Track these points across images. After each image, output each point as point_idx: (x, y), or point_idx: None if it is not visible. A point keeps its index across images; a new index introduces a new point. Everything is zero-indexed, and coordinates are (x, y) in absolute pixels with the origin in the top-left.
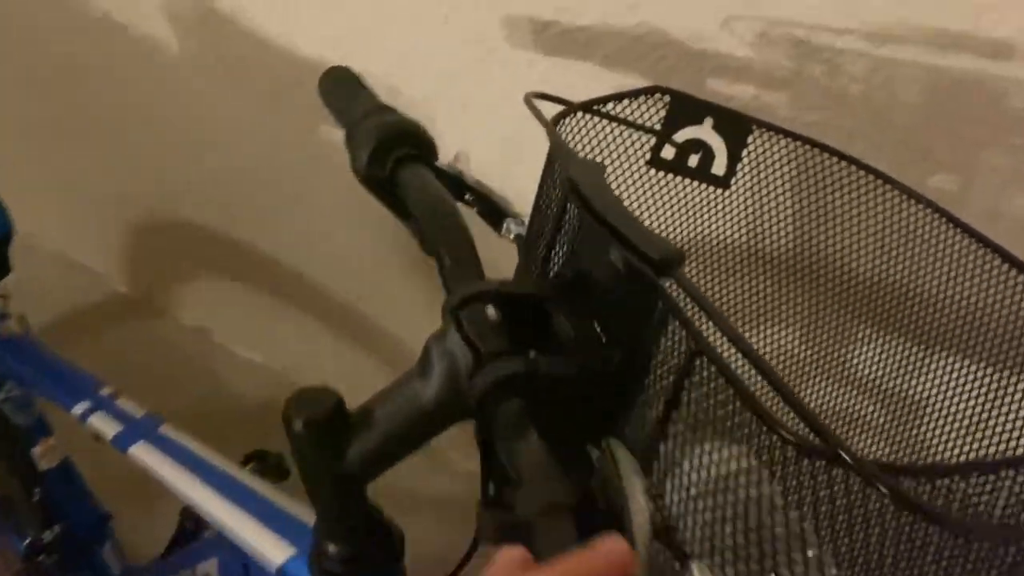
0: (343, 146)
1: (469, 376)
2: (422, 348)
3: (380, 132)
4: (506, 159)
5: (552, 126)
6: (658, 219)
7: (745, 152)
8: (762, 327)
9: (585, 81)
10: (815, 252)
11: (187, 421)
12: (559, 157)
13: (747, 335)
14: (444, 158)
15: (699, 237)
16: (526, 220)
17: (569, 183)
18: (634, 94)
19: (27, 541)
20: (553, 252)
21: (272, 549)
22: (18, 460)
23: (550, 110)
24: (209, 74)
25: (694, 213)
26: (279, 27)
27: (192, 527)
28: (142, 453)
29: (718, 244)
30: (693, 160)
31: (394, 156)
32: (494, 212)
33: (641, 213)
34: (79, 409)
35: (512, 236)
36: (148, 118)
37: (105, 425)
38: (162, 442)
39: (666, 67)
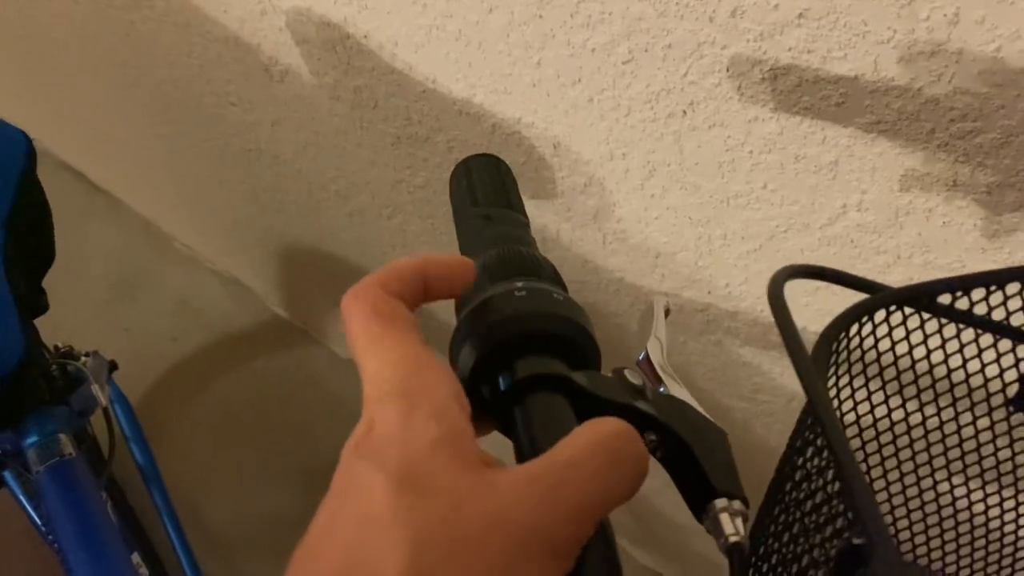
0: None
1: None
2: None
3: (503, 324)
4: (700, 250)
5: (818, 376)
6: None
7: None
8: None
9: (835, 153)
10: None
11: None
12: (848, 481)
13: None
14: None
15: None
16: (749, 509)
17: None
18: (990, 279)
19: None
20: None
21: None
22: None
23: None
24: (343, 111)
25: None
26: (413, 62)
27: None
28: None
29: None
30: None
31: (520, 373)
32: (695, 478)
33: (985, 484)
34: None
35: (723, 541)
36: (284, 152)
37: None
38: None
39: (973, 147)
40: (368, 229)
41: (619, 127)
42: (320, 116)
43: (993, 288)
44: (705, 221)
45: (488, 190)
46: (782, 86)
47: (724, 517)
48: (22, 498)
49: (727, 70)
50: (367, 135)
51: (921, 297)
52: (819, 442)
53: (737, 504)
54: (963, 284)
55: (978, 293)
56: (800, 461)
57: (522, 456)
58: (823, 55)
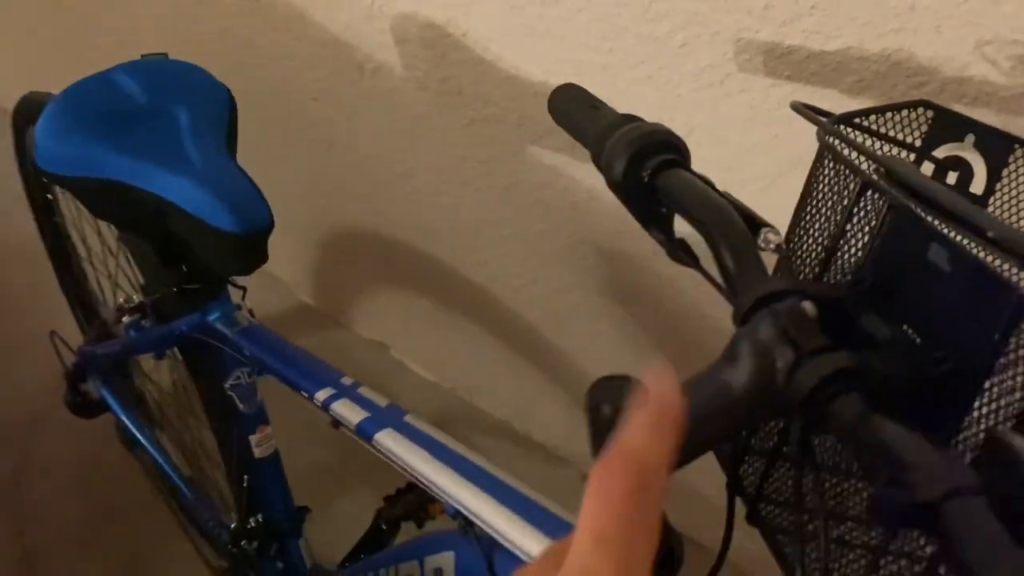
0: (535, 178)
1: (788, 372)
2: (731, 341)
3: (635, 141)
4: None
5: (831, 126)
6: None
7: (1005, 171)
8: None
9: (828, 106)
10: None
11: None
12: (866, 155)
13: None
14: None
15: None
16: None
17: (888, 175)
18: (897, 107)
19: (233, 526)
20: (834, 258)
21: (532, 540)
22: (236, 446)
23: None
24: (427, 99)
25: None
26: (502, 54)
27: (388, 528)
28: (388, 440)
29: None
30: (951, 178)
31: (653, 163)
32: (750, 221)
33: None
34: (322, 395)
35: (772, 246)
36: (357, 141)
37: (350, 412)
38: (409, 430)
39: (923, 95)
40: (422, 207)
41: (670, 97)
42: (403, 105)
43: (889, 115)
44: (728, 168)
45: (586, 95)
46: (796, 58)
47: (770, 235)
48: (119, 411)
49: (757, 48)
50: (444, 118)
51: (854, 118)
52: (838, 172)
53: (775, 229)
54: (878, 110)
55: (883, 118)
56: (817, 188)
57: (658, 221)
58: (826, 35)
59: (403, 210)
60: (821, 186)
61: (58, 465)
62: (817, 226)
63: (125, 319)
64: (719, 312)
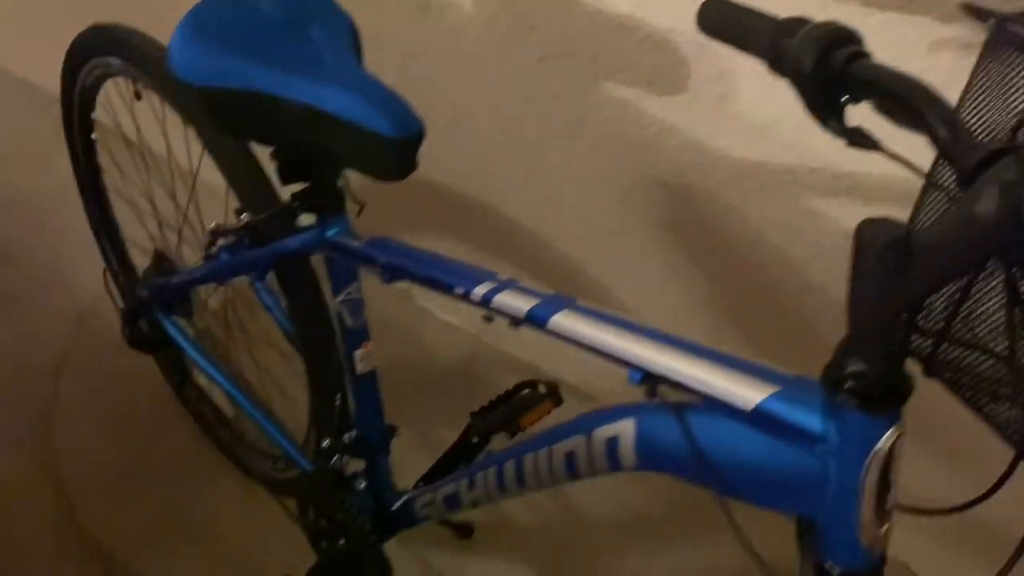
0: (605, 114)
1: None
2: (976, 185)
3: (823, 36)
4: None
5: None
6: None
7: None
8: None
9: (918, 35)
10: None
11: (390, 379)
12: None
13: None
14: None
15: None
16: None
17: None
18: None
19: (326, 443)
20: (1021, 131)
21: (746, 389)
22: (338, 361)
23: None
24: (495, 36)
25: None
26: None
27: (480, 441)
28: (566, 320)
29: None
30: None
31: (844, 54)
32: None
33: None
34: (481, 290)
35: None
36: (408, 82)
37: (518, 301)
38: (584, 311)
39: None
40: (475, 148)
41: None
42: (467, 43)
43: None
44: None
45: (738, 6)
46: None
47: None
48: (184, 342)
49: None
50: (513, 55)
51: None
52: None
53: None
54: None
55: None
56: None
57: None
58: None
59: (452, 152)
60: (992, 73)
61: (88, 411)
62: (994, 105)
63: (220, 241)
64: (783, 241)
